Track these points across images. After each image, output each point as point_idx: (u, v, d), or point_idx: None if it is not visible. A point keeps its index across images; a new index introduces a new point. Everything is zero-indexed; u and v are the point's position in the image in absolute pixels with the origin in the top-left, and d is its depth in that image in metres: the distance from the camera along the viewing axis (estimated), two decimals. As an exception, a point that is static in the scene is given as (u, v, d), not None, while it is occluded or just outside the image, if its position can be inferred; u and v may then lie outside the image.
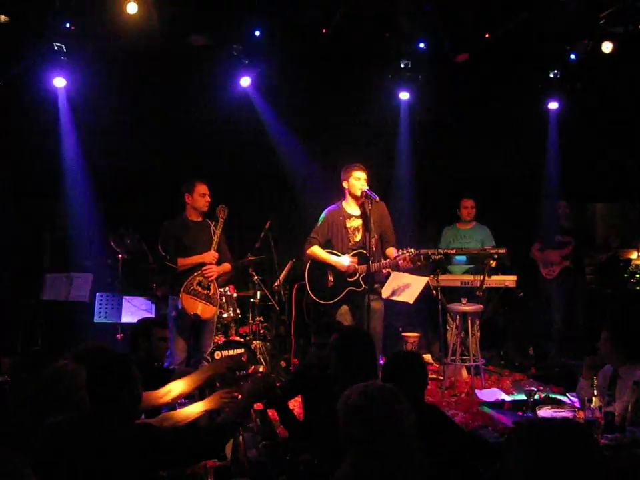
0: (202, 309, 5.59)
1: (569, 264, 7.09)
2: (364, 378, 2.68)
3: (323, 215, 5.96)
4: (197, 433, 2.89)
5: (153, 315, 6.67)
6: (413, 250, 5.82)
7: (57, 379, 3.00)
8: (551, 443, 1.81)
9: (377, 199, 5.58)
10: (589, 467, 1.78)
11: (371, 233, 5.61)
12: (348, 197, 5.89)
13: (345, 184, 5.85)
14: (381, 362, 4.49)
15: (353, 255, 5.79)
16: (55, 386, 2.97)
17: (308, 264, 5.96)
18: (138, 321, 4.88)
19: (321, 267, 5.86)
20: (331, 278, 5.82)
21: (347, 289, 5.76)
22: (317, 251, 5.84)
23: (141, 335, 4.39)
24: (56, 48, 6.31)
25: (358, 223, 5.86)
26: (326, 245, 5.88)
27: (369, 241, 5.58)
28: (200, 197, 5.74)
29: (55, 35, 6.29)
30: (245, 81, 7.18)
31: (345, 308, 5.80)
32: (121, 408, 2.71)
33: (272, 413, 3.99)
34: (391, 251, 5.85)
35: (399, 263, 5.69)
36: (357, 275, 5.76)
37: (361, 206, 5.84)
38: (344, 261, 5.74)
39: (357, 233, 5.87)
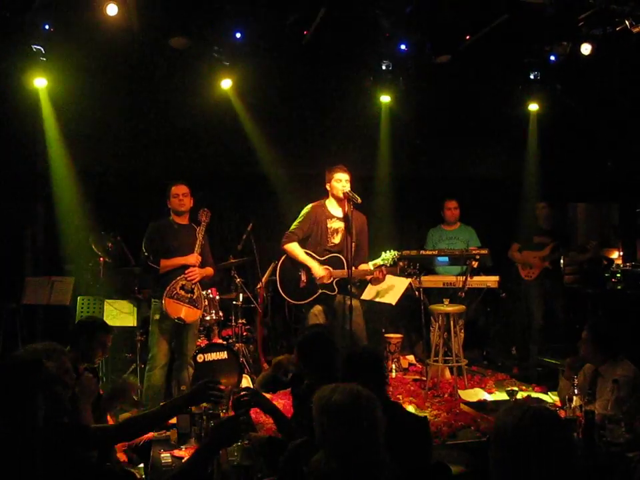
0: (186, 313, 5.54)
1: (548, 265, 7.09)
2: (328, 378, 2.76)
3: (305, 210, 5.84)
4: None
5: (136, 317, 6.62)
6: (396, 252, 5.82)
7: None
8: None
9: (359, 200, 5.43)
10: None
11: (352, 236, 5.48)
12: (331, 197, 5.81)
13: (327, 185, 5.78)
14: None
15: (327, 258, 5.70)
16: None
17: (281, 259, 5.83)
18: (86, 318, 4.56)
19: (295, 264, 5.74)
20: (303, 278, 5.71)
21: (319, 292, 5.66)
22: (295, 248, 5.72)
23: (84, 334, 4.17)
24: (34, 50, 6.26)
25: (339, 225, 5.78)
26: (302, 242, 5.77)
27: (350, 243, 5.42)
28: (173, 198, 5.68)
29: (34, 37, 6.24)
30: (226, 83, 7.17)
31: (318, 308, 5.69)
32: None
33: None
34: (363, 267, 5.77)
35: (376, 273, 5.65)
36: (331, 279, 5.66)
37: (343, 207, 5.73)
38: (320, 270, 5.62)
39: (335, 234, 5.78)
